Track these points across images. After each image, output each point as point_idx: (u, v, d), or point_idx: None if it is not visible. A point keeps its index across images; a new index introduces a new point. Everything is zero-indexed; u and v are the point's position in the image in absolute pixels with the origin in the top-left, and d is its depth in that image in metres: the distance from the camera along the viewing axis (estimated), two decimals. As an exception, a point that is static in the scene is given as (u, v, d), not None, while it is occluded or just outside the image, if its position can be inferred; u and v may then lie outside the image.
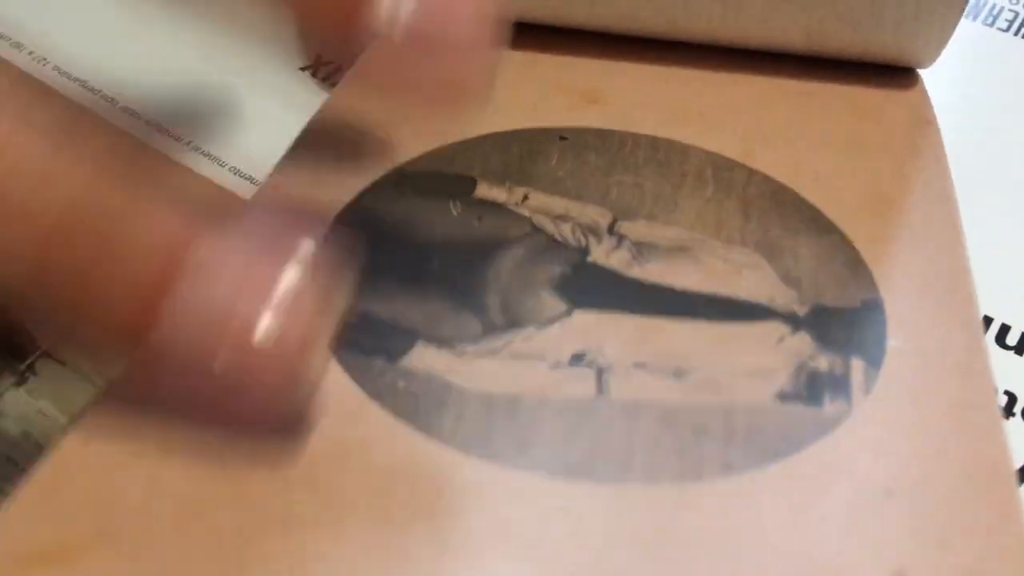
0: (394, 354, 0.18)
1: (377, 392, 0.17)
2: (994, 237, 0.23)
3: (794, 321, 0.19)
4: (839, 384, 0.18)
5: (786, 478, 0.16)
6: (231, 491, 0.15)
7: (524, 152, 0.23)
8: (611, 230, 0.21)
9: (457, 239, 0.21)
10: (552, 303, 0.19)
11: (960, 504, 0.16)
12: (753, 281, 0.20)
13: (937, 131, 0.24)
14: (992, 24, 0.25)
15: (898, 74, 0.26)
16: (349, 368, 0.17)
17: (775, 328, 0.19)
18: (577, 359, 0.18)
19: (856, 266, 0.21)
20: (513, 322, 0.19)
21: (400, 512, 0.15)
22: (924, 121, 0.25)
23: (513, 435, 0.16)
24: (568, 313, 0.19)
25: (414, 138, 0.23)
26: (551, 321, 0.19)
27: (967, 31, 0.26)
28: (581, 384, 0.18)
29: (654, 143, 0.24)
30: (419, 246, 0.20)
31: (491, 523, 0.15)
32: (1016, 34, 0.25)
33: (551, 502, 0.15)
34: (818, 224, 0.22)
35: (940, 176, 0.23)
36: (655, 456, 0.16)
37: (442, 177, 0.22)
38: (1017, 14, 0.25)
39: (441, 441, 0.16)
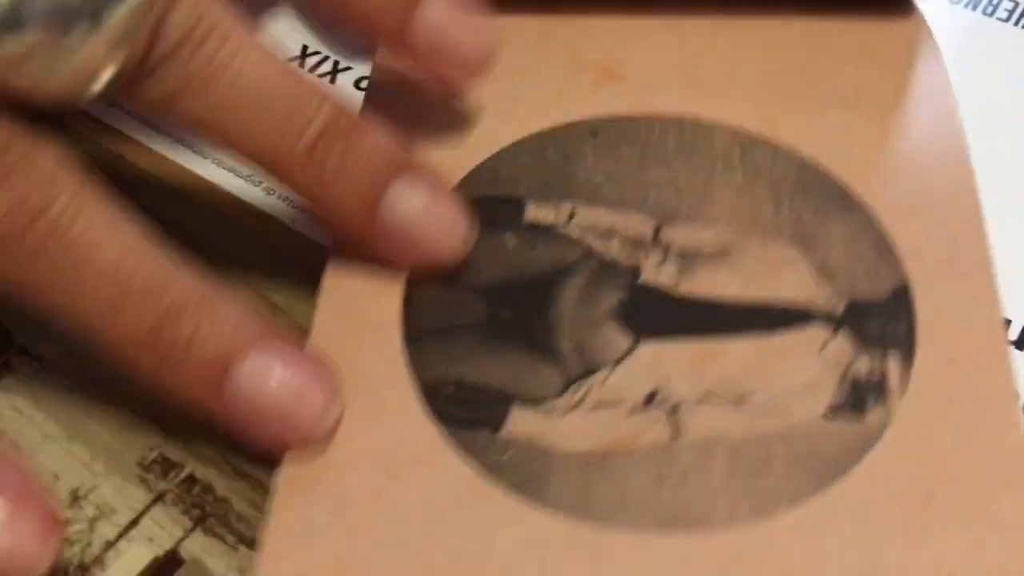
0: (495, 423, 0.20)
1: (489, 468, 0.20)
2: (994, 231, 0.23)
3: (833, 322, 0.22)
4: (878, 389, 0.21)
5: (842, 500, 0.19)
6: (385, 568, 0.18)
7: (559, 157, 0.24)
8: (656, 239, 0.23)
9: (518, 276, 0.22)
10: (618, 339, 0.22)
11: (993, 500, 0.19)
12: (792, 281, 0.22)
13: (941, 65, 0.25)
14: (992, 14, 0.25)
15: (894, 5, 0.27)
16: (459, 447, 0.20)
17: (817, 334, 0.21)
18: (650, 400, 0.21)
19: (883, 248, 0.23)
20: (588, 366, 0.21)
21: None
22: (926, 55, 0.25)
23: (610, 494, 0.19)
24: (634, 347, 0.21)
25: (450, 158, 0.24)
26: (621, 359, 0.21)
27: (966, 21, 0.26)
28: (658, 428, 0.20)
29: (680, 125, 0.25)
30: (486, 292, 0.22)
31: None
32: (1016, 24, 0.25)
33: (651, 560, 0.18)
34: (844, 202, 0.23)
35: (950, 123, 0.24)
36: (730, 497, 0.19)
37: (490, 202, 0.24)
38: (1017, 4, 0.25)
39: (553, 511, 0.19)
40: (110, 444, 0.21)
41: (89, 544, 0.20)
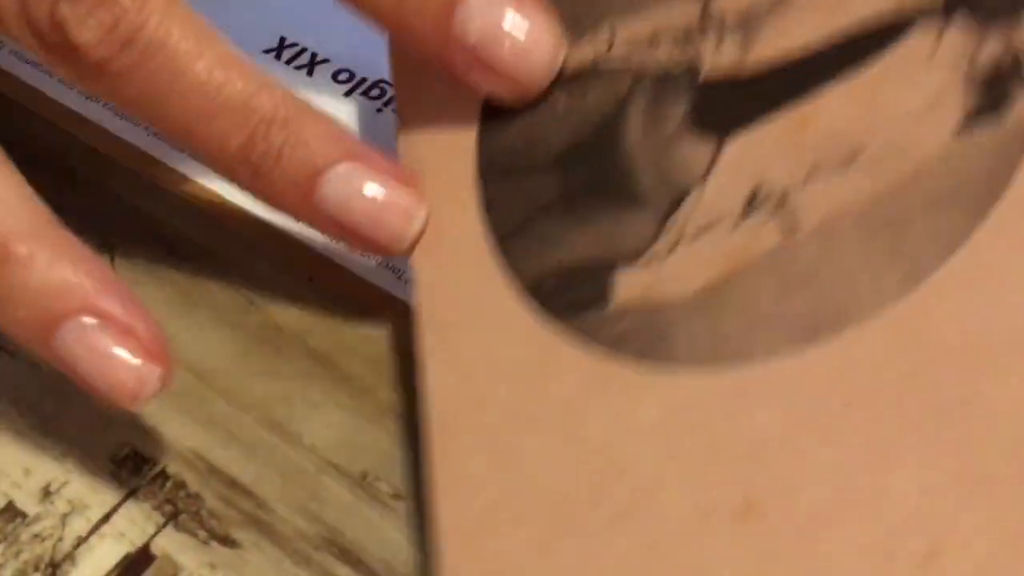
0: (603, 297, 0.19)
1: (611, 345, 0.18)
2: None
3: (937, 15, 0.17)
4: (1017, 76, 0.16)
5: (1006, 229, 0.15)
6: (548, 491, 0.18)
7: (580, -19, 0.22)
8: (705, 20, 0.20)
9: (581, 134, 0.20)
10: (699, 151, 0.19)
11: None
12: (872, -10, 0.18)
13: None
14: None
15: None
16: (577, 335, 0.19)
17: (922, 40, 0.17)
18: (752, 202, 0.18)
19: None
20: (676, 195, 0.19)
21: (706, 447, 0.16)
22: None
23: (739, 326, 0.17)
24: (719, 151, 0.19)
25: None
26: (708, 171, 0.19)
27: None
28: (768, 229, 0.17)
29: None
30: (557, 165, 0.20)
31: (774, 422, 0.16)
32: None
33: (796, 382, 0.16)
34: None
35: None
36: (870, 278, 0.16)
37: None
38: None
39: (683, 366, 0.17)
40: (82, 439, 0.21)
41: (60, 539, 0.20)
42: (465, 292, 0.20)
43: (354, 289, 0.23)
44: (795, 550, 0.15)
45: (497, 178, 0.21)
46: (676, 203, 0.19)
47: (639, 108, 0.20)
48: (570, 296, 0.19)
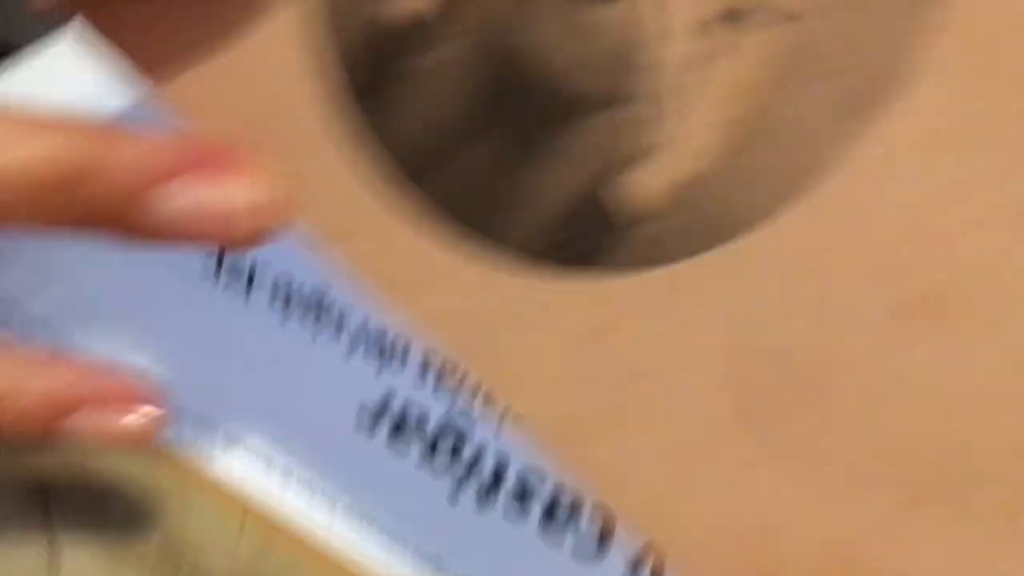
0: (621, 216, 0.15)
1: (662, 249, 0.15)
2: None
3: None
4: None
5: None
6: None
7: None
8: None
9: (473, 84, 0.16)
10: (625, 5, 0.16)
11: None
12: None
13: None
14: None
15: None
16: (627, 259, 0.15)
17: None
18: (736, 19, 0.15)
19: None
20: (637, 70, 0.16)
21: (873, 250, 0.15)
22: None
23: (810, 140, 0.14)
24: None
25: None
26: (654, 20, 0.16)
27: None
28: (772, 35, 0.15)
29: None
30: (473, 129, 0.16)
31: (910, 193, 0.14)
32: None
33: (899, 147, 0.14)
34: None
35: None
36: (909, 16, 0.14)
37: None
38: None
39: (781, 203, 0.15)
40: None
41: None
42: (485, 307, 0.16)
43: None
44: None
45: (423, 178, 0.17)
46: (646, 75, 0.16)
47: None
48: (584, 238, 0.16)
